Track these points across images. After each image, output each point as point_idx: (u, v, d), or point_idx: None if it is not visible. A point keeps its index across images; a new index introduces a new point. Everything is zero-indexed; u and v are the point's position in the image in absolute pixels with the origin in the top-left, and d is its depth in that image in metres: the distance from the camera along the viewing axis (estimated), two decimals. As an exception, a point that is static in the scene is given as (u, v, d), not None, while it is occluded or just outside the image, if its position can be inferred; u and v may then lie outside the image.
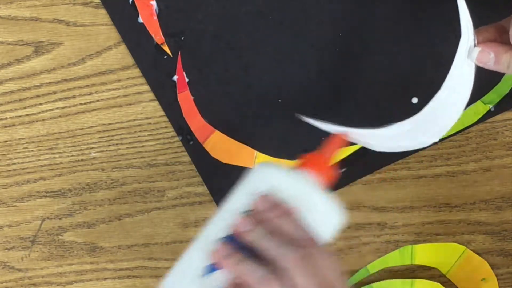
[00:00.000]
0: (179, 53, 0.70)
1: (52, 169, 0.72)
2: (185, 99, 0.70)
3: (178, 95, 0.70)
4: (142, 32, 0.70)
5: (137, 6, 0.70)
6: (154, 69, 0.70)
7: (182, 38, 0.70)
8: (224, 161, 0.71)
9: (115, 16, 0.70)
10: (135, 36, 0.70)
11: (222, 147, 0.71)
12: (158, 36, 0.70)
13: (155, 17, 0.70)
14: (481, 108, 0.70)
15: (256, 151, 0.71)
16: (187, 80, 0.70)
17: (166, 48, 0.70)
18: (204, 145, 0.71)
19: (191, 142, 0.71)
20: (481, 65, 0.59)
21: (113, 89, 0.71)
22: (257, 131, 0.71)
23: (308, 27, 0.70)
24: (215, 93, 0.70)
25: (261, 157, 0.71)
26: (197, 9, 0.70)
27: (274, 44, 0.70)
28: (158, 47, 0.70)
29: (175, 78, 0.70)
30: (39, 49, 0.70)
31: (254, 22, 0.70)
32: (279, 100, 0.70)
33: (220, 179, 0.71)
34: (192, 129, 0.71)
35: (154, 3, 0.70)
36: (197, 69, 0.70)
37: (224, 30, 0.70)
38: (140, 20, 0.70)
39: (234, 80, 0.70)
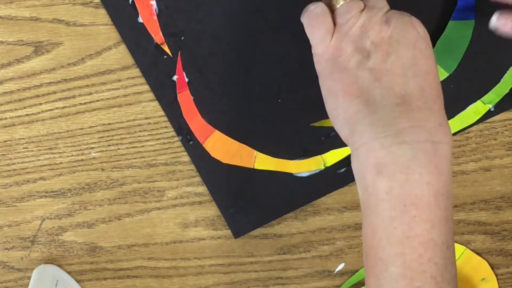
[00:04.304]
0: (179, 53, 0.70)
1: (52, 169, 0.72)
2: (185, 99, 0.70)
3: (178, 95, 0.70)
4: (142, 32, 0.70)
5: (137, 6, 0.70)
6: (154, 69, 0.70)
7: (182, 38, 0.70)
8: (224, 161, 0.71)
9: (115, 16, 0.70)
10: (135, 36, 0.70)
11: (222, 147, 0.71)
12: (158, 36, 0.70)
13: (155, 17, 0.70)
14: (481, 108, 0.70)
15: (256, 151, 0.71)
16: (187, 80, 0.70)
17: (166, 48, 0.70)
18: (204, 145, 0.71)
19: (191, 142, 0.71)
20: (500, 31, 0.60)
21: (113, 89, 0.71)
22: (257, 131, 0.71)
23: (308, 27, 0.70)
24: (215, 93, 0.70)
25: (261, 157, 0.71)
26: (197, 9, 0.70)
27: (274, 44, 0.70)
28: (158, 47, 0.70)
29: (175, 78, 0.70)
30: (39, 49, 0.70)
31: (254, 22, 0.70)
32: (279, 100, 0.70)
33: (220, 179, 0.71)
34: (192, 129, 0.71)
35: (154, 3, 0.70)
36: (197, 69, 0.70)
37: (224, 30, 0.70)
38: (140, 20, 0.70)
39: (234, 80, 0.70)
